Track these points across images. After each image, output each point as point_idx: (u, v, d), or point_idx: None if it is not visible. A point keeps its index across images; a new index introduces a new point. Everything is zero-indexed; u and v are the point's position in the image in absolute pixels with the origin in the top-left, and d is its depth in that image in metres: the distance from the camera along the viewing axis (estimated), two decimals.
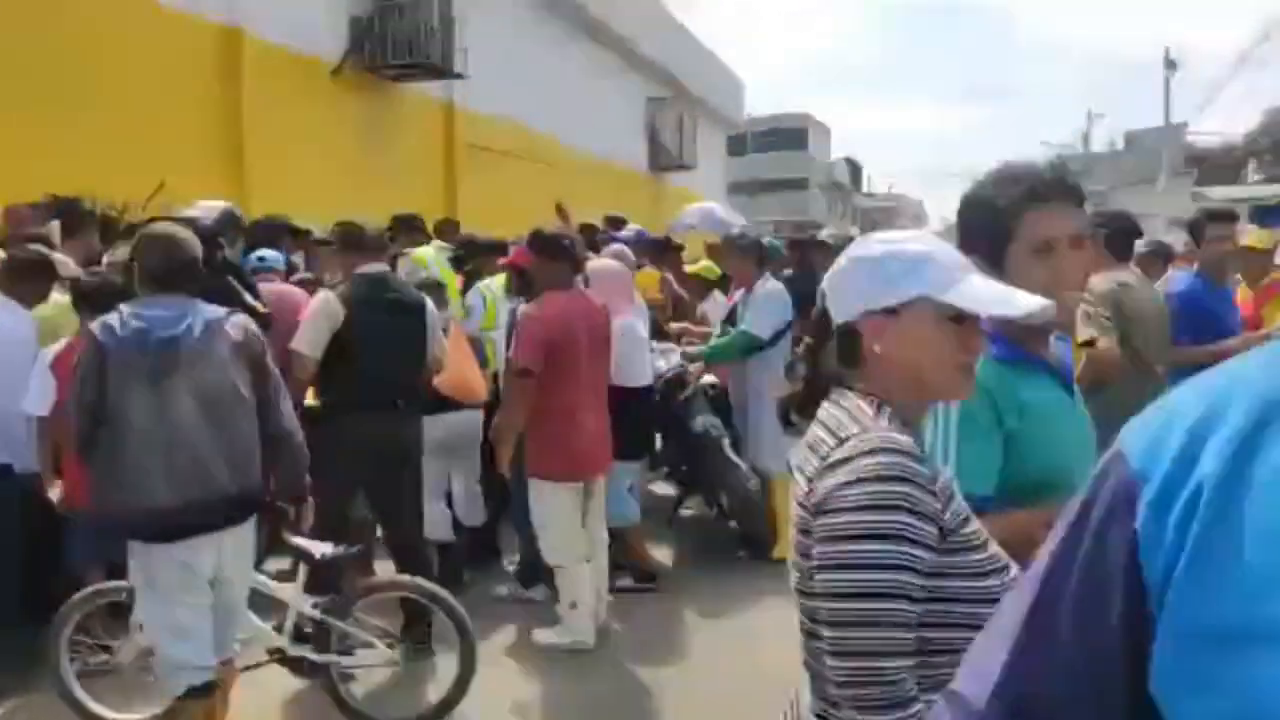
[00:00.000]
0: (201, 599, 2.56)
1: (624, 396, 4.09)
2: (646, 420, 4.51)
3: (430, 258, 4.61)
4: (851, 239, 5.41)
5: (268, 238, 5.00)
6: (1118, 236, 3.63)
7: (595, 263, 4.15)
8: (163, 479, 2.41)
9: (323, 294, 3.72)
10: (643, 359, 4.37)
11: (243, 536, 2.64)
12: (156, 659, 2.62)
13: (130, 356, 2.43)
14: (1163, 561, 0.57)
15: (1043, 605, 0.65)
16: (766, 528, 4.88)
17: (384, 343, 3.52)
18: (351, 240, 3.84)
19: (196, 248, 2.66)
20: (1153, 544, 0.58)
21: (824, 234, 6.85)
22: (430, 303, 3.92)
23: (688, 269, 7.05)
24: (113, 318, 2.48)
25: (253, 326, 2.70)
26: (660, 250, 7.19)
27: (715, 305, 6.44)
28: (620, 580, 4.35)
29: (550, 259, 3.82)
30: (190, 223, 4.31)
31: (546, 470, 3.72)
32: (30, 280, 3.72)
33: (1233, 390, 0.59)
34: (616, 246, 5.27)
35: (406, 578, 3.38)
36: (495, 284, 4.97)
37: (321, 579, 3.11)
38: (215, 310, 2.61)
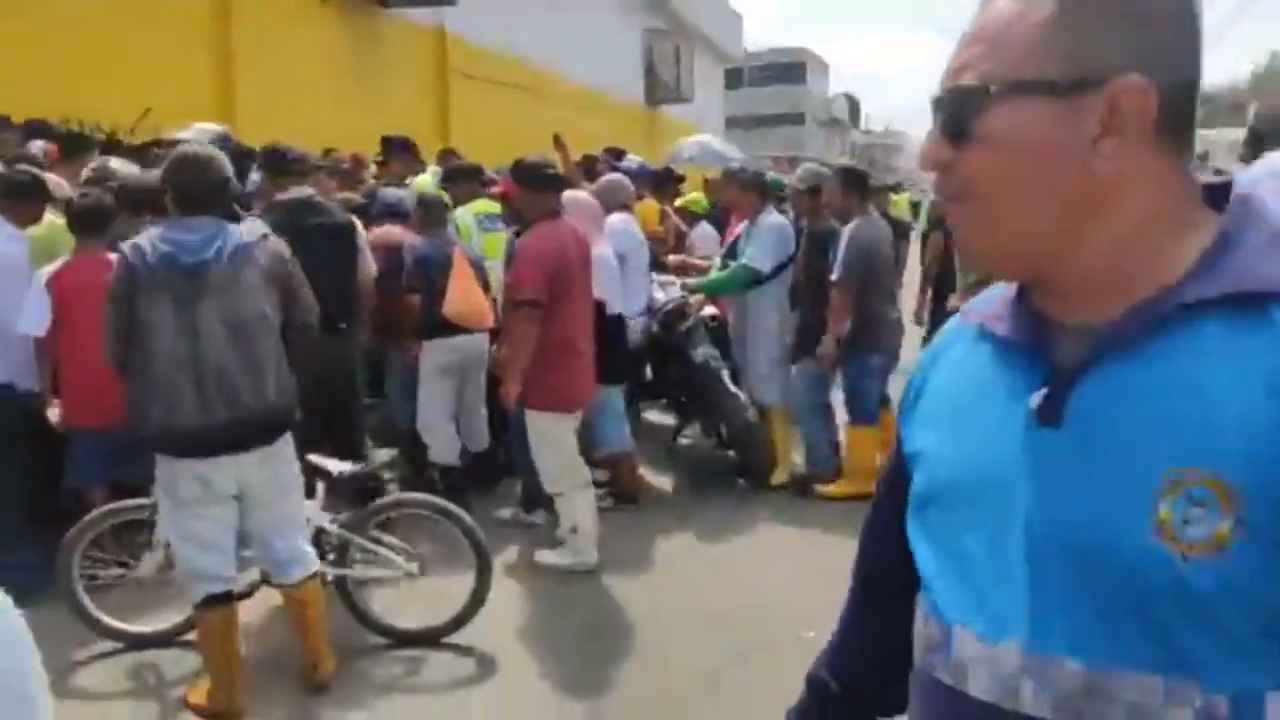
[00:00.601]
0: (222, 514, 2.63)
1: (600, 323, 4.07)
2: (624, 346, 4.50)
3: (430, 185, 4.57)
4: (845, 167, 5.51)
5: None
6: None
7: (566, 194, 4.11)
8: (191, 398, 2.46)
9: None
10: (615, 287, 4.35)
11: (272, 457, 2.67)
12: (178, 568, 2.70)
13: (159, 279, 2.46)
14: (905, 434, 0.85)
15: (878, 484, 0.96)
16: (765, 457, 4.95)
17: (310, 268, 3.45)
18: (274, 164, 3.81)
19: (226, 169, 2.65)
20: (905, 425, 0.85)
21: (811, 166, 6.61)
22: (358, 224, 3.97)
23: (676, 201, 7.02)
24: (143, 240, 2.50)
25: (284, 250, 2.72)
26: (660, 182, 7.12)
27: (703, 237, 6.42)
28: (600, 502, 4.34)
29: (535, 189, 3.77)
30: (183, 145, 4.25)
31: (547, 403, 3.71)
32: (23, 201, 3.68)
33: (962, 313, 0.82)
34: (616, 175, 5.21)
35: (422, 496, 3.44)
36: (468, 212, 4.92)
37: (339, 495, 3.19)
38: (246, 234, 2.62)
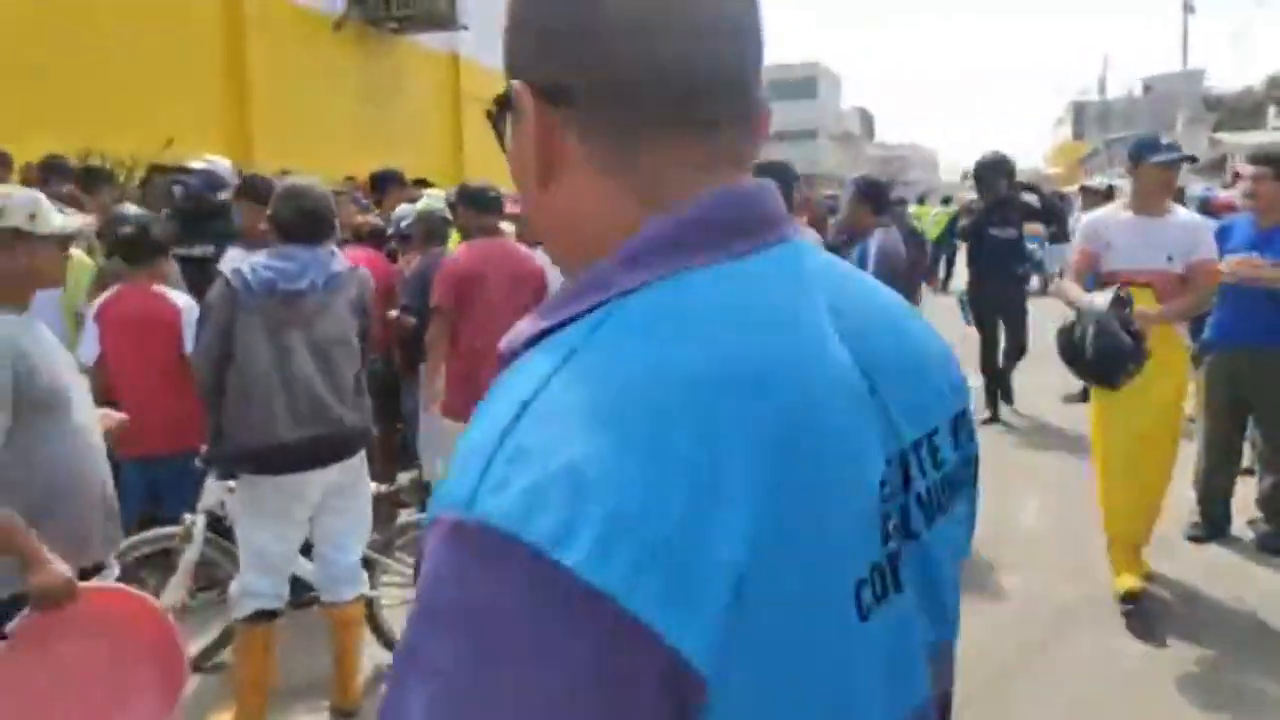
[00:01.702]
0: (297, 537, 2.80)
1: None
2: None
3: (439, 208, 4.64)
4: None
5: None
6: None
7: None
8: (284, 417, 2.61)
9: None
10: None
11: (351, 468, 2.83)
12: (236, 582, 2.79)
13: (257, 303, 2.59)
14: None
15: None
16: None
17: None
18: (254, 195, 4.05)
19: (328, 200, 2.80)
20: None
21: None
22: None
23: None
24: (244, 266, 2.64)
25: (369, 280, 2.90)
26: None
27: None
28: None
29: (476, 210, 3.93)
30: (207, 174, 4.32)
31: (449, 408, 3.75)
32: None
33: None
34: None
35: None
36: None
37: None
38: (340, 263, 2.77)
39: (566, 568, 0.43)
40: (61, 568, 1.87)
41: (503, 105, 0.62)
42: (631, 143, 0.58)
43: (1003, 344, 6.65)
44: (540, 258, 3.93)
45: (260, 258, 2.68)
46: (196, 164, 4.47)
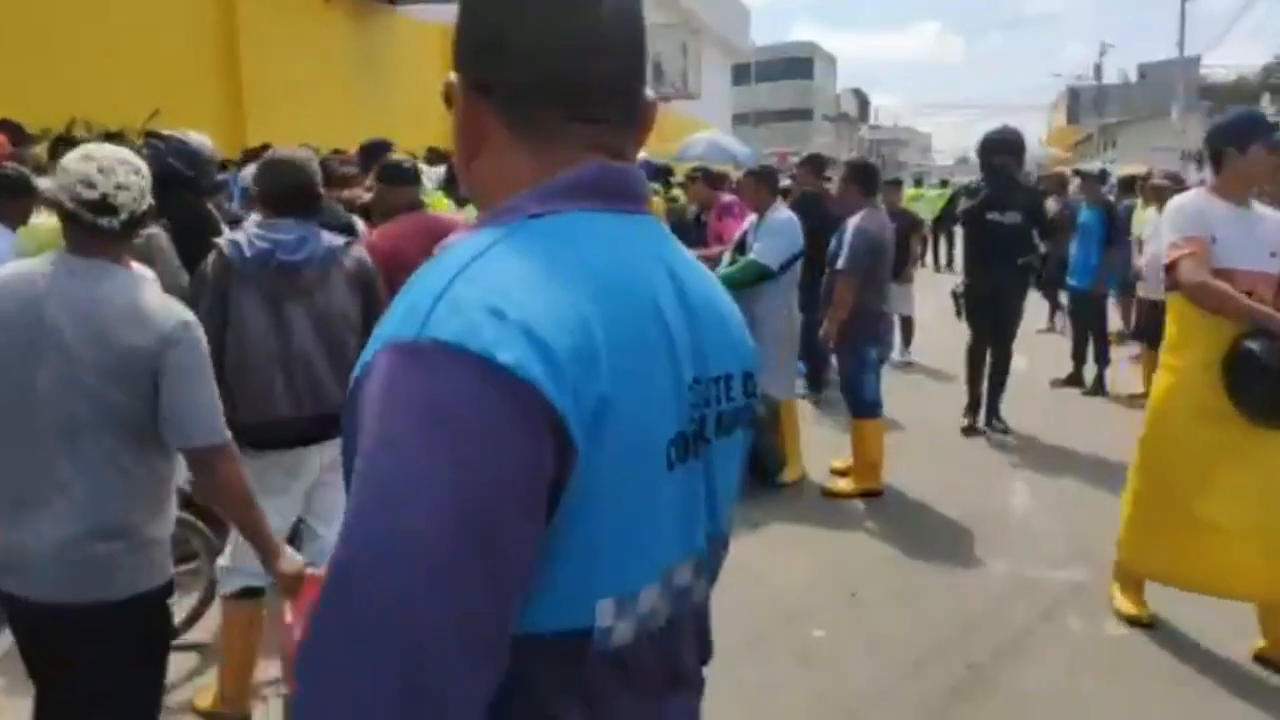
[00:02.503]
0: (291, 512, 2.74)
1: None
2: None
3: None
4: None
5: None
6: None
7: None
8: (283, 391, 2.56)
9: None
10: None
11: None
12: (224, 557, 2.75)
13: (254, 275, 2.53)
14: None
15: None
16: (774, 453, 4.91)
17: None
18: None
19: (312, 173, 2.72)
20: None
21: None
22: (360, 225, 3.96)
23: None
24: (240, 236, 2.57)
25: (365, 258, 2.81)
26: (665, 181, 7.15)
27: None
28: None
29: (392, 185, 3.71)
30: (182, 141, 4.24)
31: None
32: (11, 200, 3.72)
33: None
34: None
35: None
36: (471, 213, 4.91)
37: None
38: (334, 239, 2.71)
39: (504, 364, 0.64)
40: (298, 558, 2.04)
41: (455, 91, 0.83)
42: (537, 129, 0.79)
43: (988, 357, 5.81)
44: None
45: (255, 229, 2.61)
46: (175, 133, 4.39)
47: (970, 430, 5.85)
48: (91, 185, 1.78)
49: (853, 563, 3.98)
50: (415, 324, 0.67)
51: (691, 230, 6.86)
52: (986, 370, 5.84)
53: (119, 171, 1.81)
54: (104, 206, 1.79)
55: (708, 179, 6.79)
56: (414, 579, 0.61)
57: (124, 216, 1.81)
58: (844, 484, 4.83)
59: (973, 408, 5.94)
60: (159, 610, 1.93)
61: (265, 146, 4.55)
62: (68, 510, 1.77)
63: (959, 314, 5.91)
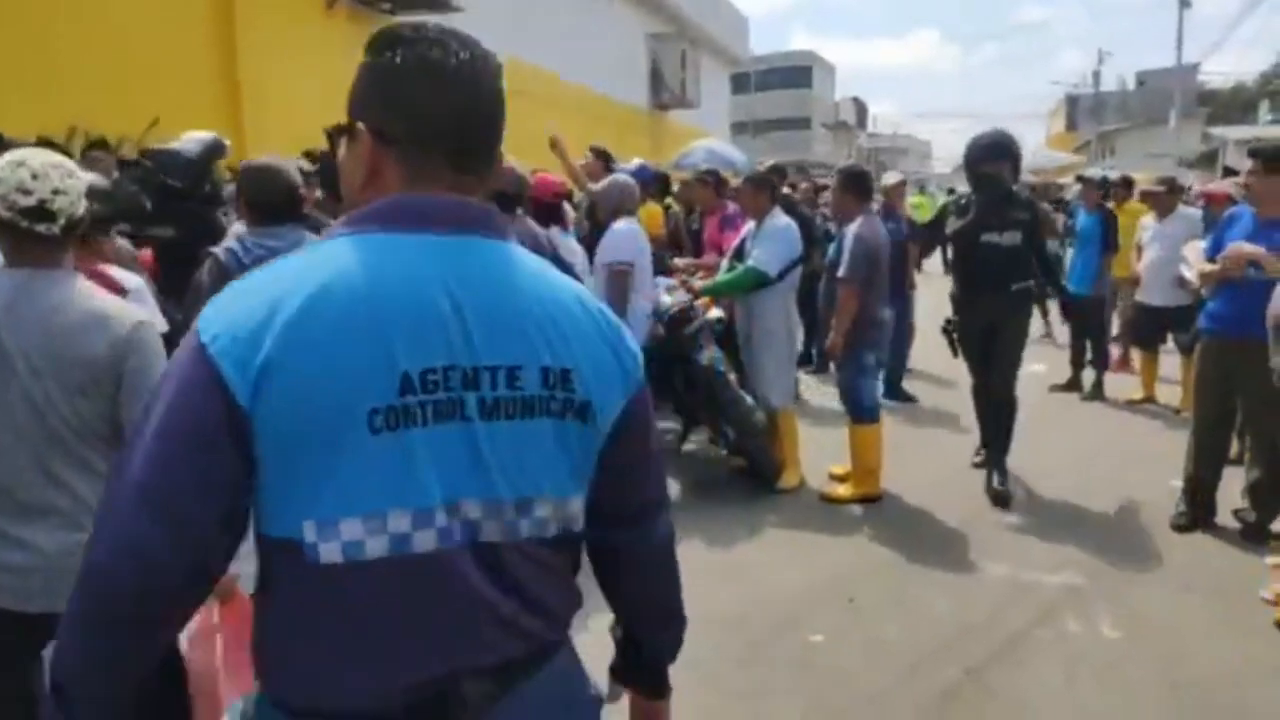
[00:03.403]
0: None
1: None
2: None
3: None
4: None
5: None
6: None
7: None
8: None
9: None
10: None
11: None
12: (233, 565, 2.71)
13: None
14: None
15: None
16: (773, 460, 4.92)
17: None
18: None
19: (294, 178, 2.71)
20: None
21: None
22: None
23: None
24: (234, 244, 2.57)
25: None
26: (662, 189, 7.10)
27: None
28: None
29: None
30: (172, 155, 4.25)
31: None
32: None
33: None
34: (621, 179, 5.20)
35: None
36: None
37: None
38: None
39: (205, 345, 0.92)
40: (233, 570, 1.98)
41: (342, 132, 1.09)
42: (421, 173, 1.04)
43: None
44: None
45: (250, 237, 2.62)
46: (174, 145, 4.42)
47: (985, 465, 4.99)
48: (28, 192, 1.75)
49: (851, 568, 3.98)
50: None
51: (687, 238, 6.82)
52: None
53: (53, 176, 1.78)
54: (42, 213, 1.76)
55: (719, 184, 6.44)
56: (128, 472, 0.93)
57: (63, 221, 1.78)
58: (842, 490, 4.84)
59: (987, 445, 5.06)
60: None
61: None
62: (57, 522, 1.75)
63: (954, 353, 5.02)
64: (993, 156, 4.73)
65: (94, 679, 0.95)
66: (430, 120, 1.03)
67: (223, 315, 0.94)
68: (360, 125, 1.05)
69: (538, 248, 3.81)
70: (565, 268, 4.07)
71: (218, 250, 2.63)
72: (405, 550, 0.96)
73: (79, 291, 1.80)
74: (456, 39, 1.06)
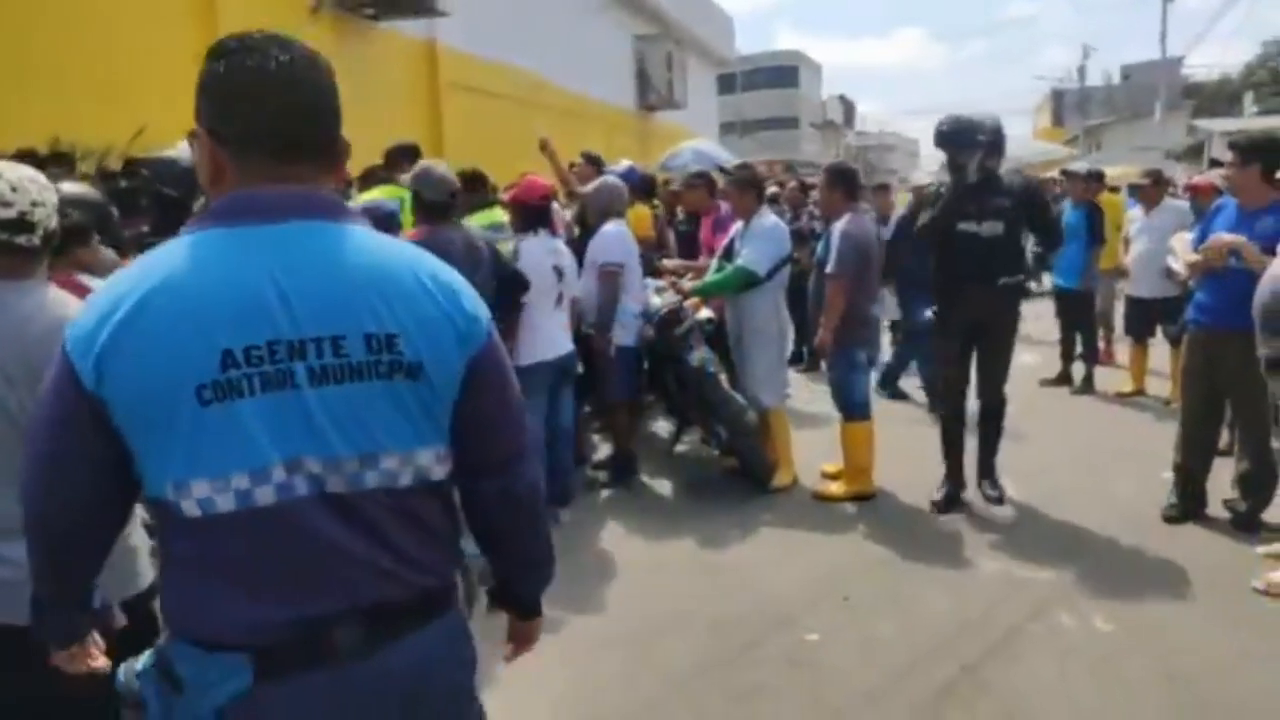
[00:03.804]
0: None
1: None
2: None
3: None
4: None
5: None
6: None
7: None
8: None
9: None
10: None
11: None
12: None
13: None
14: None
15: None
16: (765, 459, 4.92)
17: None
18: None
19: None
20: None
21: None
22: None
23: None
24: None
25: None
26: (649, 191, 7.09)
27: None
28: None
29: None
30: (168, 163, 4.22)
31: None
32: None
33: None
34: (610, 181, 5.19)
35: None
36: (474, 223, 4.92)
37: None
38: None
39: (64, 340, 1.13)
40: None
41: (193, 135, 1.22)
42: (252, 168, 1.17)
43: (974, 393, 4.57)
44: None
45: None
46: (169, 152, 4.39)
47: (948, 505, 4.56)
48: (8, 204, 1.76)
49: (845, 566, 3.98)
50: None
51: (672, 239, 6.80)
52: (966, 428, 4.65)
53: (31, 189, 1.79)
54: (22, 224, 1.77)
55: (711, 186, 6.27)
56: (30, 440, 1.18)
57: (41, 233, 1.80)
58: (835, 488, 4.84)
59: (953, 474, 4.63)
60: (146, 616, 1.92)
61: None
62: None
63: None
64: (958, 143, 4.34)
65: (44, 585, 1.30)
66: (252, 120, 1.16)
67: (80, 316, 1.13)
68: (200, 129, 1.19)
69: (471, 249, 3.84)
70: (510, 273, 4.09)
71: None
72: (250, 504, 1.12)
73: (50, 300, 1.80)
74: (278, 43, 1.18)
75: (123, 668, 1.27)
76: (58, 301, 1.81)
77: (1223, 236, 3.93)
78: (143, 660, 1.24)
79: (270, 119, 1.16)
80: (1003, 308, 4.43)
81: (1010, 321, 4.48)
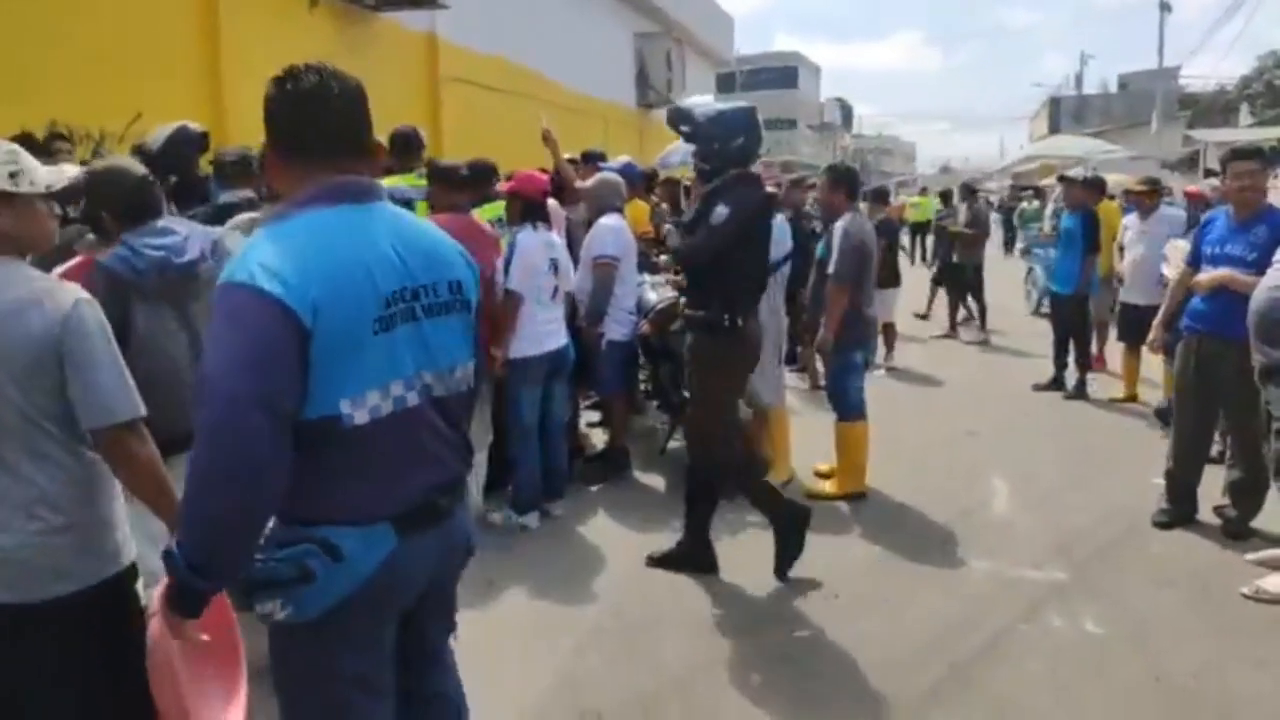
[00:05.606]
0: None
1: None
2: None
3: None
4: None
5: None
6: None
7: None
8: (191, 400, 2.44)
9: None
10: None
11: None
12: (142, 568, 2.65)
13: (154, 286, 2.43)
14: None
15: None
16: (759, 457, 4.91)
17: None
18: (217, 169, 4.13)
19: (137, 167, 2.58)
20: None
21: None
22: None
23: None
24: (123, 250, 2.42)
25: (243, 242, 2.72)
26: (647, 186, 7.08)
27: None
28: None
29: (446, 187, 4.25)
30: (139, 149, 4.19)
31: None
32: None
33: None
34: (609, 175, 5.18)
35: None
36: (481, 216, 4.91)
37: None
38: (209, 230, 2.65)
39: (264, 289, 1.43)
40: None
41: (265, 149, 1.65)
42: (304, 168, 1.59)
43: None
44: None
45: (139, 238, 2.46)
46: (147, 138, 4.34)
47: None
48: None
49: (835, 564, 3.98)
50: (229, 274, 1.47)
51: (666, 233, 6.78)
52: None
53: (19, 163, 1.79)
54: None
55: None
56: (233, 388, 1.39)
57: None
58: (828, 486, 4.84)
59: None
60: (125, 594, 1.90)
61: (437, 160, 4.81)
62: (11, 513, 1.73)
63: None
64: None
65: (230, 545, 1.47)
66: (323, 126, 1.58)
67: (274, 275, 1.43)
68: (272, 135, 1.61)
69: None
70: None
71: (104, 260, 2.45)
72: (403, 406, 1.57)
73: (19, 274, 1.78)
74: (327, 72, 1.59)
75: (263, 564, 1.53)
76: (26, 276, 1.79)
77: (1214, 275, 4.03)
78: (284, 552, 1.52)
79: (338, 125, 1.58)
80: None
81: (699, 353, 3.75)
